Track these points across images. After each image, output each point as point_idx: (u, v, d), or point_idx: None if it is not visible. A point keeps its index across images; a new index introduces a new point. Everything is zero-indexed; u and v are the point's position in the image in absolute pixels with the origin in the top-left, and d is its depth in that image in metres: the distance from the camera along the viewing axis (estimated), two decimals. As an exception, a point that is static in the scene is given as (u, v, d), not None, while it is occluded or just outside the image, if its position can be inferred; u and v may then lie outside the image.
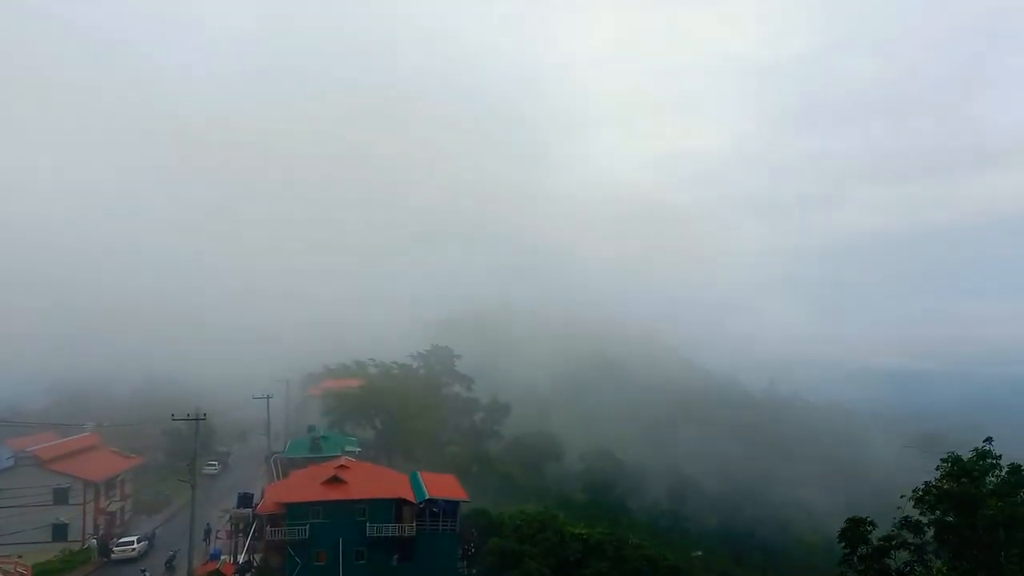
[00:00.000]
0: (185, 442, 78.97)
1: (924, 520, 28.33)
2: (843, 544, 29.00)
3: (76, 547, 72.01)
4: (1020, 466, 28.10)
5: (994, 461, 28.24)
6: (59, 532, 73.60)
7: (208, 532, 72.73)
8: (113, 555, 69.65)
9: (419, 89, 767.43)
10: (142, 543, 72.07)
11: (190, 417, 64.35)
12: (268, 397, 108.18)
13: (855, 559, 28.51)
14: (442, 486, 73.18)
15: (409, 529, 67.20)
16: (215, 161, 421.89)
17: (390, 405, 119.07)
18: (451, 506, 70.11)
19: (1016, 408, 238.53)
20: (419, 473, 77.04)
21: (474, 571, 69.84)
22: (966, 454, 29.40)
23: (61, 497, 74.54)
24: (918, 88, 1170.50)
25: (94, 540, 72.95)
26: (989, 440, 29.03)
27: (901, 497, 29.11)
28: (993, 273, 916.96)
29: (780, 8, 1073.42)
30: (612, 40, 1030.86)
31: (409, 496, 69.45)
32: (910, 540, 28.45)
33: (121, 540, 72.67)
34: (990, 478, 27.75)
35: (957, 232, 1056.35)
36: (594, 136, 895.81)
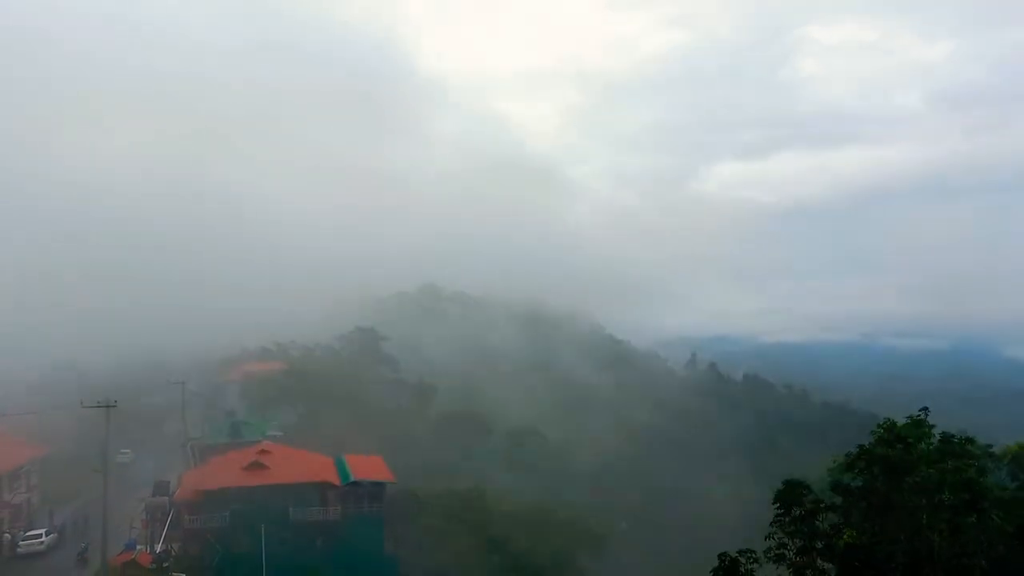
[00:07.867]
0: (96, 430, 75.57)
1: (853, 484, 28.74)
2: (777, 505, 29.22)
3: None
4: (952, 435, 28.34)
5: (927, 430, 28.67)
6: (-43, 527, 69.67)
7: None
8: (19, 549, 66.50)
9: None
10: (51, 536, 69.09)
11: (101, 404, 61.53)
12: (183, 383, 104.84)
13: (786, 520, 28.75)
14: (368, 468, 72.50)
15: (334, 512, 66.49)
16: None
17: (313, 388, 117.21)
18: (377, 488, 69.63)
19: (917, 377, 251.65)
20: (344, 456, 76.08)
21: (401, 552, 69.62)
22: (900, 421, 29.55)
23: (-41, 490, 70.54)
24: (734, 59, 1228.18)
25: (8, 535, 69.38)
26: (925, 410, 29.34)
27: (834, 461, 29.55)
28: (871, 246, 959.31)
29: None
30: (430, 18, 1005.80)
31: (334, 479, 68.61)
32: (839, 504, 28.88)
33: (28, 533, 69.38)
34: (922, 445, 28.26)
35: (820, 207, 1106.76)
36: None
